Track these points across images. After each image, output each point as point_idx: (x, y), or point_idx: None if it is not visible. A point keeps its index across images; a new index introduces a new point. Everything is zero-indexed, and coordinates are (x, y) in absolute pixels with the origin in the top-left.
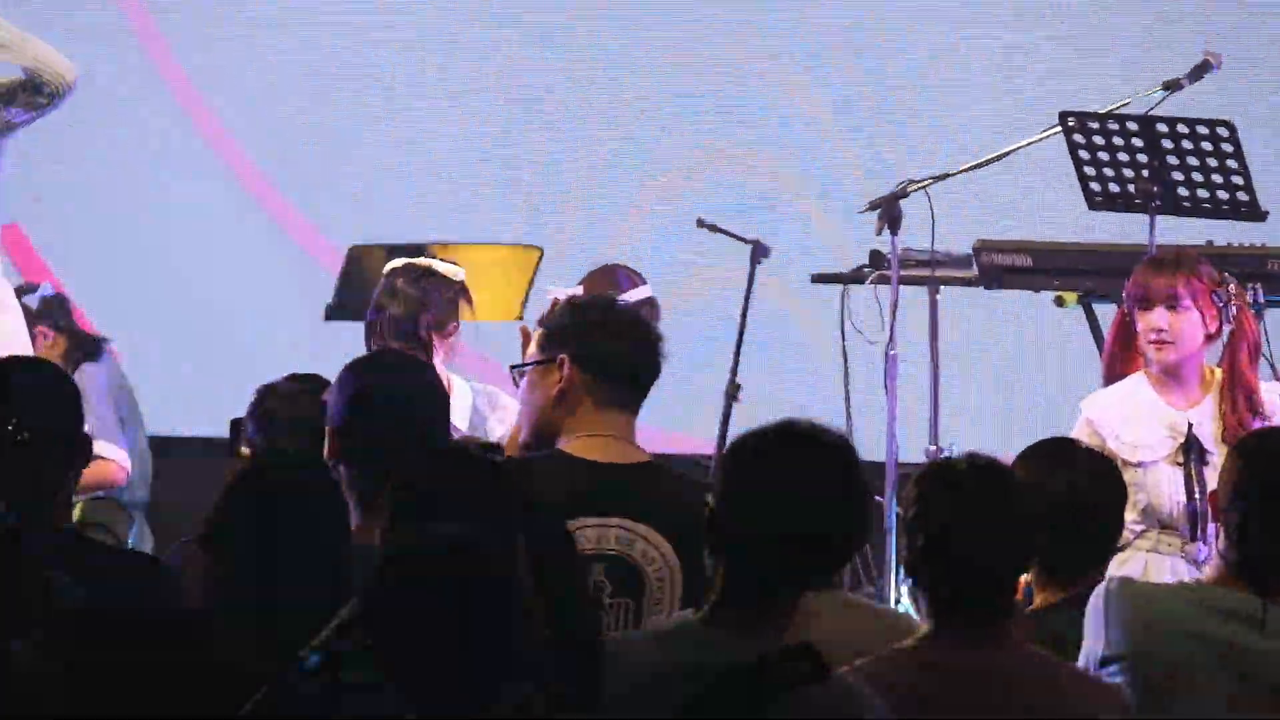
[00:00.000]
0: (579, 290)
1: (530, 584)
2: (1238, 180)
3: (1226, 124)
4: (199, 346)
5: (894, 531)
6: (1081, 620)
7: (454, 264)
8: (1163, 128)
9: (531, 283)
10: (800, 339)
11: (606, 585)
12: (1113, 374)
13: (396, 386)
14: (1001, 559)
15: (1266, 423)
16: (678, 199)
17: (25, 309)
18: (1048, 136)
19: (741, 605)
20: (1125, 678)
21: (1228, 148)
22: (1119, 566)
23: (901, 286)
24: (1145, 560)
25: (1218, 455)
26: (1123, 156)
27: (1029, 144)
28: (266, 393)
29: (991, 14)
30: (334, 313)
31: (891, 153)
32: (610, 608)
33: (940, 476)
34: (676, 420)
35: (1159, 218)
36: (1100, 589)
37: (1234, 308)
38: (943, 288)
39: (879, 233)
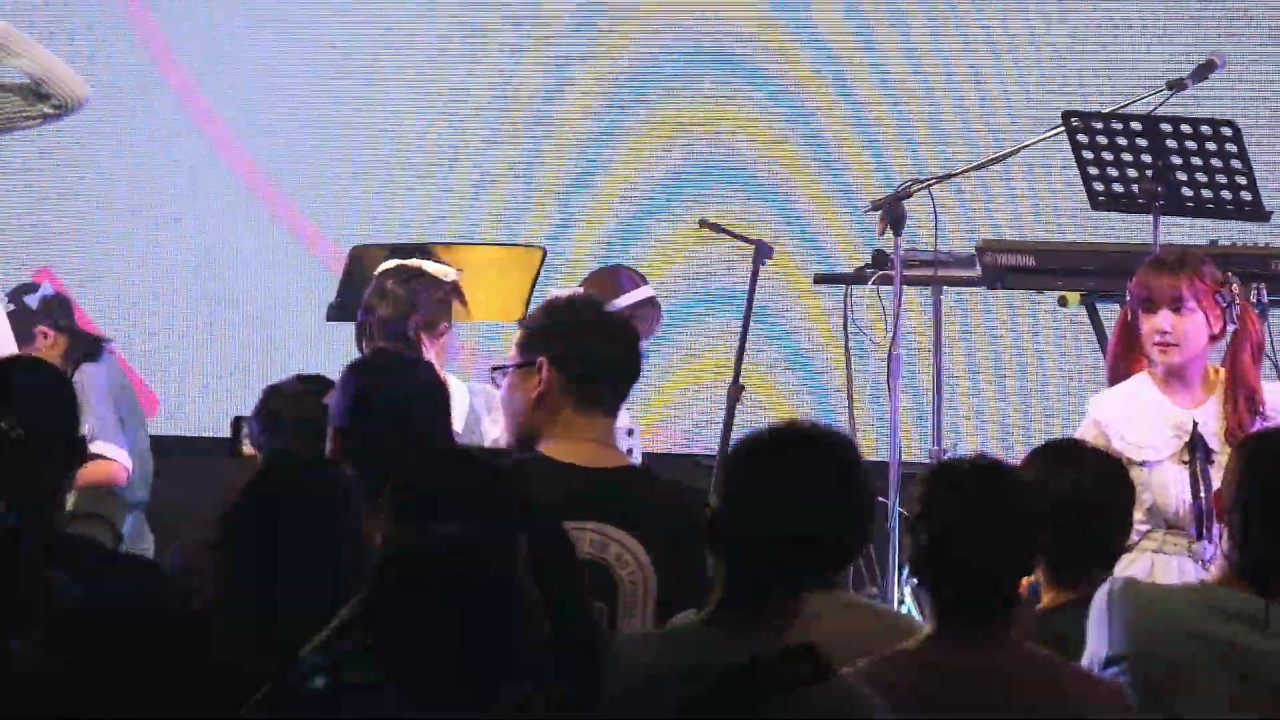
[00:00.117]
0: (579, 291)
1: (531, 584)
2: (1241, 180)
3: (1230, 124)
4: (200, 347)
5: (896, 532)
6: (1086, 621)
7: (446, 265)
8: (1166, 128)
9: (534, 283)
10: (803, 339)
11: None
12: (1116, 375)
13: (397, 387)
14: (1003, 560)
15: (1268, 423)
16: (681, 199)
17: (25, 308)
18: (1051, 136)
19: (743, 606)
20: (1127, 678)
21: (1231, 148)
22: (1125, 567)
23: (905, 287)
24: (1151, 560)
25: (1223, 454)
26: (1126, 156)
27: (1032, 144)
28: (272, 393)
29: (994, 14)
30: (336, 313)
31: (895, 153)
32: None
33: (943, 477)
34: (679, 420)
35: (1162, 217)
36: (1103, 590)
37: (1237, 307)
38: (946, 288)
39: (882, 233)
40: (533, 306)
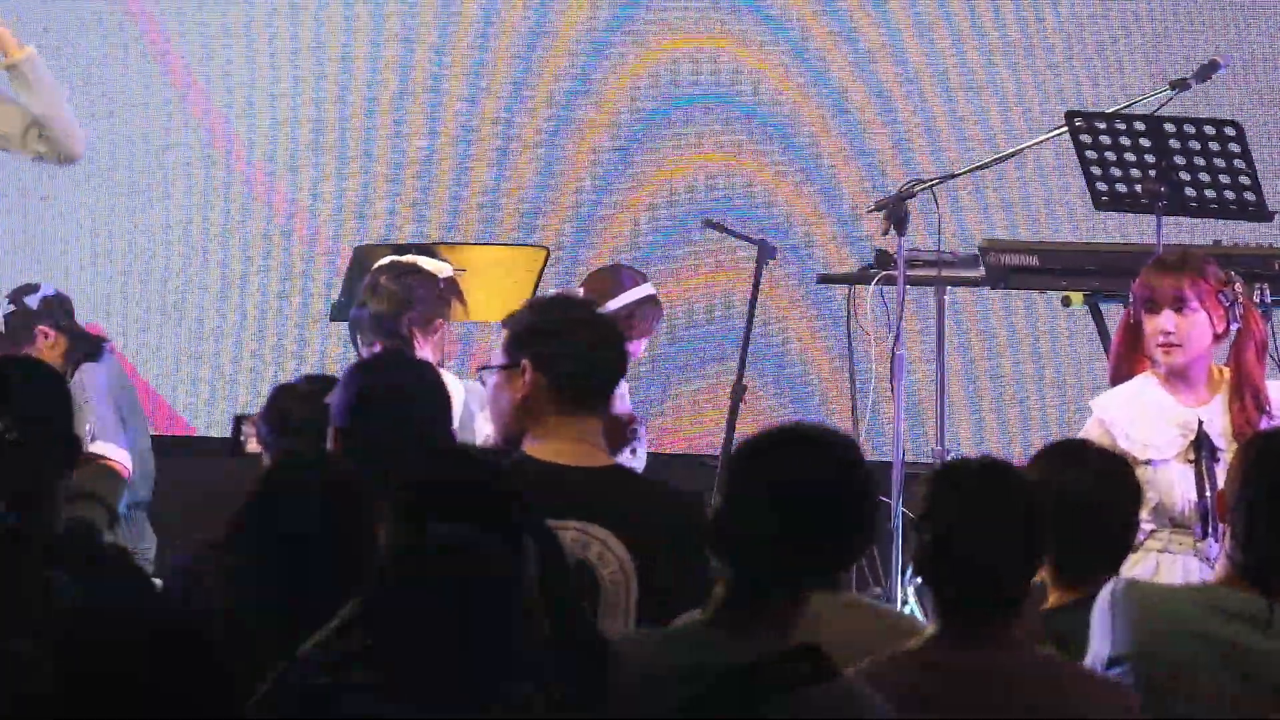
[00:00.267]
0: (580, 291)
1: (534, 584)
2: (1245, 181)
3: (1234, 124)
4: (202, 347)
5: (900, 532)
6: (1088, 624)
7: (444, 261)
8: (1170, 128)
9: (538, 283)
10: (806, 339)
11: None
12: (1119, 375)
13: (398, 387)
14: (1007, 560)
15: (1274, 422)
16: (684, 199)
17: (25, 309)
18: (1054, 136)
19: (745, 606)
20: (1130, 678)
21: (1235, 148)
22: (1130, 566)
23: (908, 287)
24: (1157, 560)
25: (1228, 453)
26: (1129, 157)
27: (1035, 144)
28: (280, 393)
29: (998, 14)
30: (339, 313)
31: (898, 153)
32: None
33: (948, 476)
34: (682, 420)
35: (1165, 218)
36: (1105, 590)
37: (1240, 307)
38: (949, 288)
39: (885, 233)
40: (519, 313)
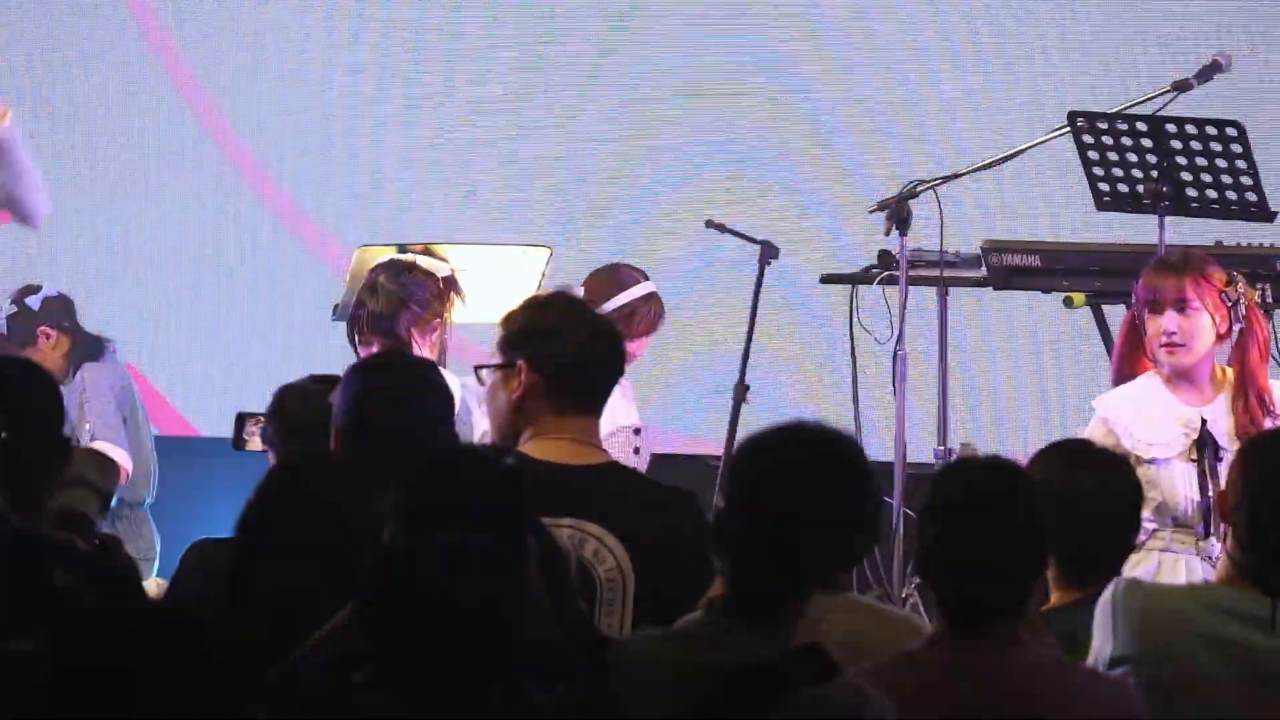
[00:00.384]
0: (581, 290)
1: (540, 583)
2: (1247, 181)
3: (1236, 124)
4: (205, 347)
5: (901, 532)
6: (1091, 622)
7: (442, 260)
8: (1172, 128)
9: (540, 283)
10: (809, 340)
11: None
12: (1122, 376)
13: (400, 387)
14: (1011, 561)
15: (1277, 421)
16: (686, 199)
17: (27, 310)
18: (1056, 136)
19: (748, 606)
20: (1133, 678)
21: (1237, 148)
22: (1133, 566)
23: (910, 287)
24: (1159, 559)
25: (1231, 451)
26: (1131, 157)
27: (1038, 144)
28: (287, 393)
29: (1000, 14)
30: (342, 313)
31: (900, 153)
32: None
33: (954, 476)
34: (685, 421)
35: (1168, 218)
36: (1108, 589)
37: (1243, 306)
38: (951, 288)
39: (887, 233)
40: (513, 312)
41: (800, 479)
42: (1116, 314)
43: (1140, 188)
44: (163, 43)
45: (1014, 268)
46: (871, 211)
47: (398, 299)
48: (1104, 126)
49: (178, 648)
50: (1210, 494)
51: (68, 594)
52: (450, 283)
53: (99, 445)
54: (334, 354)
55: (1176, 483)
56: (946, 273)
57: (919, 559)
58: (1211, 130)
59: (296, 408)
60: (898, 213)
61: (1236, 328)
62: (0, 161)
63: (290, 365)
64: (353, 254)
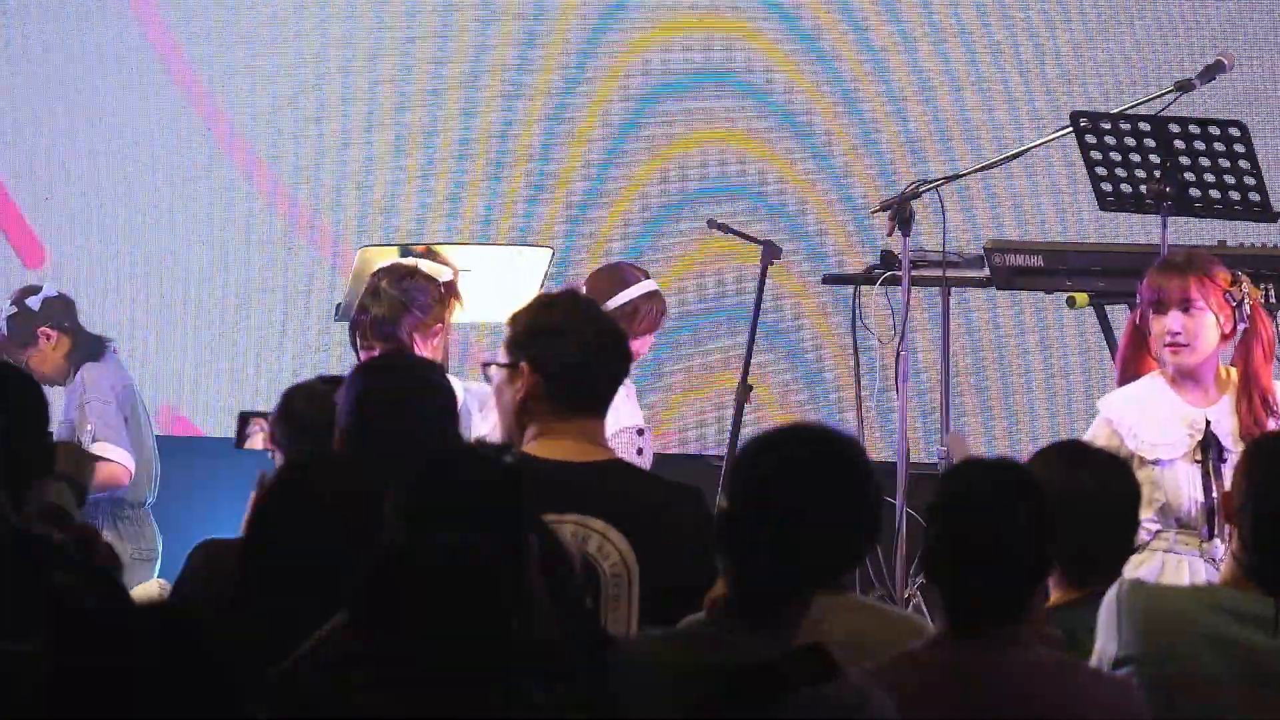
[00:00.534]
0: (583, 289)
1: (541, 583)
2: (1250, 181)
3: (1238, 124)
4: (207, 347)
5: (904, 533)
6: (1094, 619)
7: (444, 264)
8: (1175, 128)
9: (543, 284)
10: (812, 340)
11: None
12: (1126, 376)
13: (401, 388)
14: (1016, 561)
15: None
16: (689, 200)
17: (27, 310)
18: (1059, 137)
19: (751, 606)
20: (1137, 679)
21: (1240, 148)
22: (1136, 567)
23: (913, 287)
24: (1162, 560)
25: (1236, 453)
26: (1134, 157)
27: (1041, 144)
28: (294, 393)
29: (1002, 14)
30: (344, 314)
31: (903, 153)
32: None
33: (960, 477)
34: (688, 421)
35: (1171, 218)
36: (1113, 590)
37: (1247, 306)
38: (954, 288)
39: (890, 233)
40: (518, 312)
41: (802, 479)
42: (1119, 314)
43: (1143, 188)
44: (165, 42)
45: (1017, 268)
46: (874, 212)
47: (399, 304)
48: (1107, 126)
49: (178, 648)
50: (1214, 495)
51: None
52: (451, 288)
53: (100, 446)
54: (336, 354)
55: (1181, 484)
56: (949, 273)
57: (923, 559)
58: (1214, 130)
59: (304, 408)
60: (900, 213)
61: (1240, 328)
62: None
63: (292, 365)
64: (355, 254)
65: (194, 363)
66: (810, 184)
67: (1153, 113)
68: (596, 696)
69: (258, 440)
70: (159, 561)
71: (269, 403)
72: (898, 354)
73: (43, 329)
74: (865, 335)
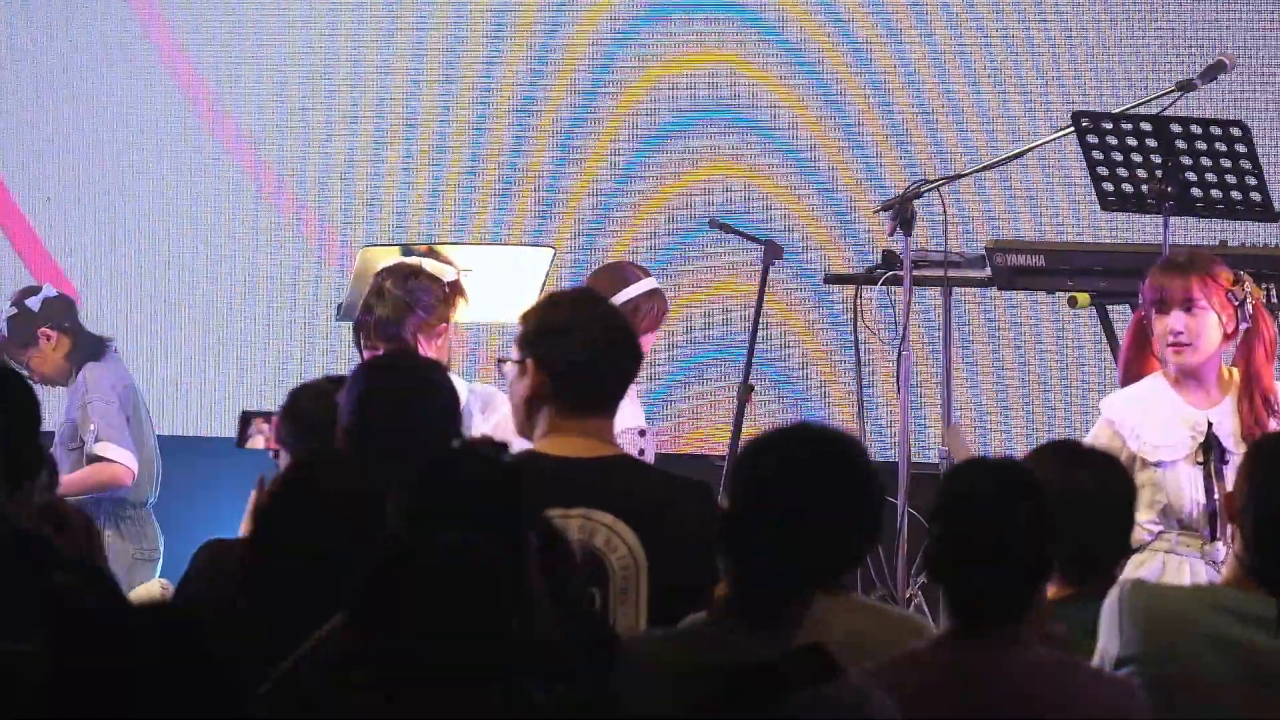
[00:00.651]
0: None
1: (541, 582)
2: (1251, 181)
3: (1240, 124)
4: (209, 347)
5: (905, 533)
6: (1087, 617)
7: (447, 264)
8: (1176, 128)
9: (545, 283)
10: (813, 340)
11: None
12: (1129, 376)
13: (404, 387)
14: (1019, 561)
15: None
16: (691, 200)
17: (28, 311)
18: (1061, 137)
19: (752, 606)
20: (1139, 678)
21: (1241, 148)
22: (1137, 568)
23: (914, 287)
24: (1163, 561)
25: (1238, 455)
26: (1136, 157)
27: (1042, 144)
28: (300, 393)
29: (1004, 14)
30: (346, 314)
31: (905, 153)
32: None
33: (962, 477)
34: (690, 421)
35: (1172, 218)
36: (1115, 590)
37: (1250, 306)
38: (956, 288)
39: (892, 233)
40: (528, 311)
41: (803, 479)
42: (1120, 314)
43: (1145, 188)
44: (168, 43)
45: (1018, 268)
46: (876, 212)
47: (404, 304)
48: (1108, 126)
49: (178, 648)
50: (1216, 498)
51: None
52: (455, 287)
53: (103, 446)
54: (337, 354)
55: (1182, 485)
56: (951, 273)
57: (925, 559)
58: (1216, 130)
59: (310, 407)
60: (902, 213)
61: (1243, 328)
62: None
63: (293, 365)
64: (357, 254)
65: (198, 363)
66: (812, 184)
67: (1154, 113)
68: (596, 696)
69: (259, 440)
70: (160, 561)
71: (271, 402)
72: (899, 354)
73: (43, 329)
74: (867, 335)
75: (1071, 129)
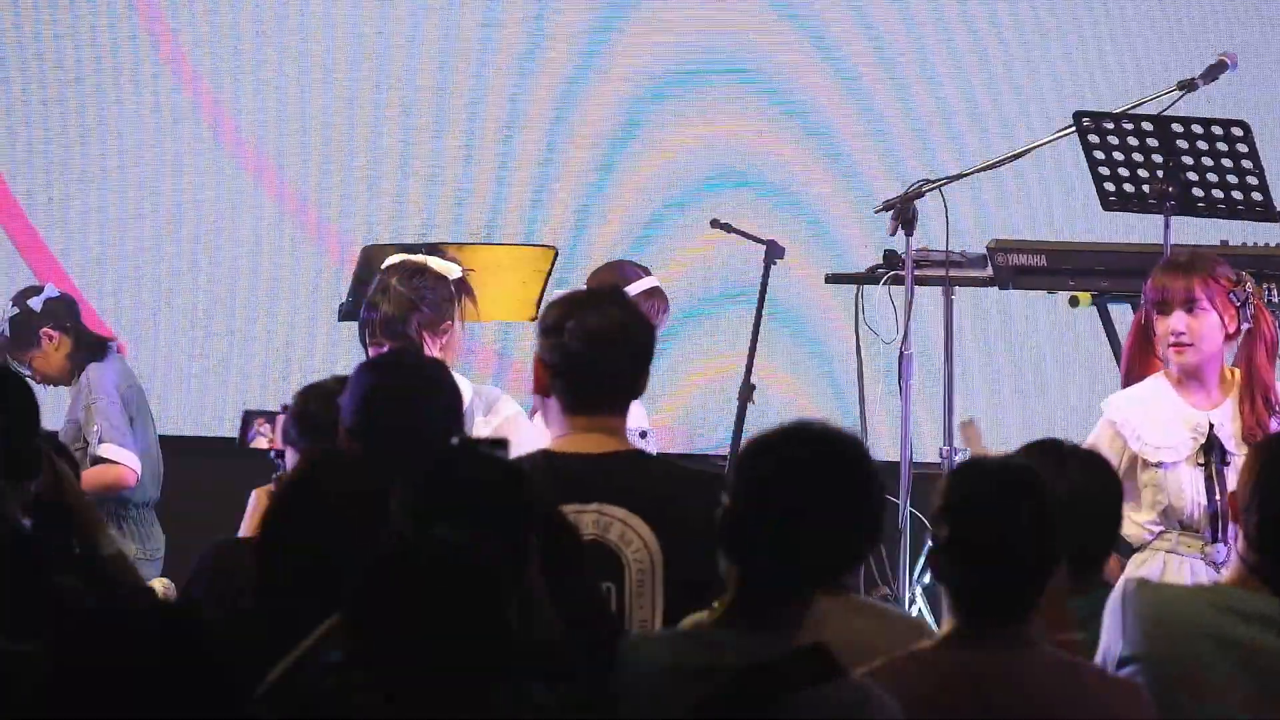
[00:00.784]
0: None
1: (541, 582)
2: (1253, 181)
3: (1241, 124)
4: (211, 347)
5: (907, 533)
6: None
7: (453, 261)
8: (1178, 128)
9: (547, 283)
10: (815, 339)
11: None
12: (1131, 376)
13: (407, 385)
14: (1023, 561)
15: None
16: (692, 199)
17: (29, 311)
18: (1062, 136)
19: (754, 606)
20: (1143, 678)
21: (1243, 148)
22: (1137, 567)
23: (916, 287)
24: (1164, 560)
25: (1239, 456)
26: (1137, 157)
27: (1044, 144)
28: (307, 392)
29: (1006, 13)
30: (347, 313)
31: (906, 152)
32: None
33: (967, 476)
34: (691, 420)
35: (1174, 218)
36: (1118, 589)
37: (1251, 306)
38: (957, 288)
39: (893, 233)
40: (544, 307)
41: (804, 479)
42: (1122, 314)
43: (1146, 187)
44: (171, 44)
45: (1020, 267)
46: (877, 211)
47: (409, 302)
48: (1110, 126)
49: (178, 648)
50: (1217, 499)
51: (68, 594)
52: (462, 285)
53: (106, 447)
54: (338, 353)
55: (1183, 487)
56: (952, 272)
57: (929, 559)
58: (1217, 130)
59: (317, 407)
60: (903, 212)
61: (1244, 328)
62: None
63: (295, 365)
64: (359, 253)
65: (199, 363)
66: (813, 183)
67: (1155, 112)
68: (597, 696)
69: (261, 440)
70: (162, 562)
71: (273, 402)
72: (900, 353)
73: (45, 330)
74: (868, 335)
75: (1073, 128)
